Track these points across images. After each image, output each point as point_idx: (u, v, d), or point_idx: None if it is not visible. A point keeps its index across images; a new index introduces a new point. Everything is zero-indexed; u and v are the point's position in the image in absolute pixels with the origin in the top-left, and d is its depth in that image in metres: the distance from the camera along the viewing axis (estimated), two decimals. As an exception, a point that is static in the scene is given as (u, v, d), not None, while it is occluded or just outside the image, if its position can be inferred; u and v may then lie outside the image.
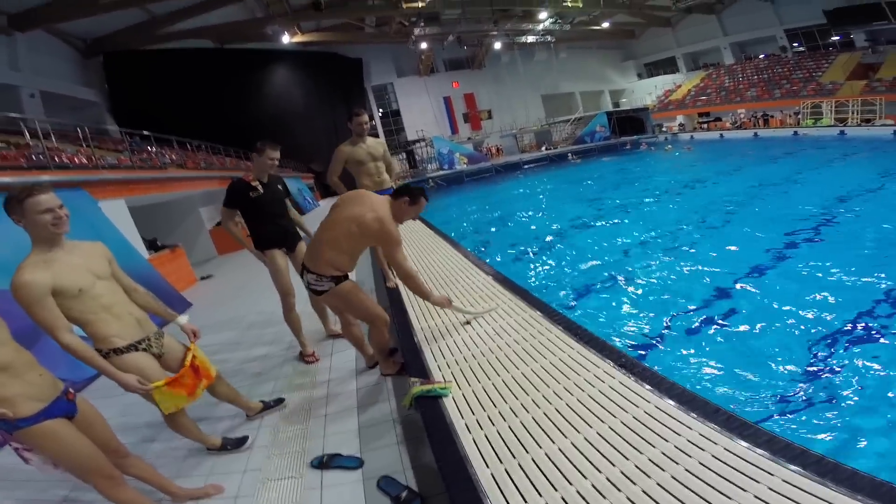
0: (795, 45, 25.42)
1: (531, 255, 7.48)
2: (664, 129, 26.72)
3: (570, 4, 22.24)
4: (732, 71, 26.71)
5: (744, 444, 1.54)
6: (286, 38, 20.60)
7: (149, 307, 2.20)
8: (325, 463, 2.17)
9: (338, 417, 2.59)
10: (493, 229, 10.19)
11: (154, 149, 11.60)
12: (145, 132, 11.03)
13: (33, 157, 7.08)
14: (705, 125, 24.44)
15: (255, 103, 21.57)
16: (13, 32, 13.70)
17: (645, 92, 31.92)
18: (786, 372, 3.24)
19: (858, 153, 12.82)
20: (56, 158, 7.34)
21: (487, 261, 7.39)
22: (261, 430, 2.60)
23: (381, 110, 28.59)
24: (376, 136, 26.44)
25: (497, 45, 27.02)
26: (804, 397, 2.97)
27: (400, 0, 19.41)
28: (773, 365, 3.34)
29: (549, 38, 26.58)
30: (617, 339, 4.02)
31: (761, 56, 26.34)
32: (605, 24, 27.70)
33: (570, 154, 23.44)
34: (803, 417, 2.81)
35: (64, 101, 16.02)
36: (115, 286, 2.05)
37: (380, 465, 2.11)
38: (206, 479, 2.26)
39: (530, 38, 26.47)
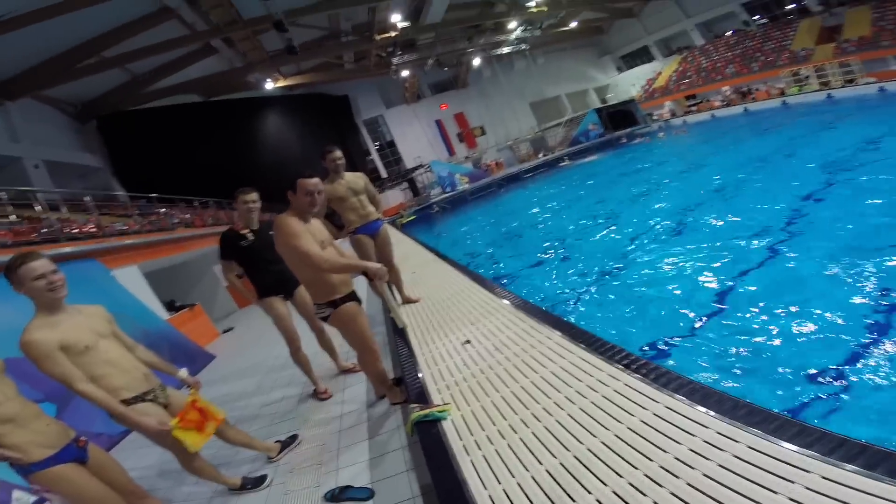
0: (756, 17, 25.55)
1: (540, 264, 7.42)
2: (655, 117, 26.70)
3: (535, 9, 22.56)
4: (706, 51, 26.84)
5: (771, 439, 1.35)
6: (270, 85, 21.17)
7: (151, 363, 2.30)
8: (337, 496, 2.19)
9: (350, 449, 2.61)
10: (500, 244, 10.14)
11: (162, 210, 11.79)
12: (152, 194, 11.23)
13: (45, 229, 7.18)
14: (694, 107, 24.37)
15: (252, 152, 21.99)
16: (3, 102, 13.95)
17: (628, 84, 32.08)
18: (816, 356, 3.03)
19: (851, 112, 12.70)
20: (66, 229, 7.52)
21: (497, 276, 7.38)
22: (279, 467, 2.71)
23: (376, 143, 28.82)
24: (376, 171, 27.11)
25: (476, 62, 27.45)
26: (838, 384, 2.75)
27: (373, 32, 19.82)
28: (801, 348, 3.14)
29: (523, 46, 26.96)
30: (638, 344, 3.87)
31: (728, 33, 26.46)
32: (573, 24, 28.09)
33: (564, 158, 23.41)
34: (838, 405, 2.58)
35: (70, 170, 16.32)
36: (118, 343, 2.17)
37: (390, 493, 2.10)
38: (229, 519, 2.35)
39: (506, 49, 26.84)
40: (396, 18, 19.34)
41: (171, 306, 8.41)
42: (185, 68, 18.05)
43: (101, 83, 16.69)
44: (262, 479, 2.57)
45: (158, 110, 19.33)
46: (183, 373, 2.41)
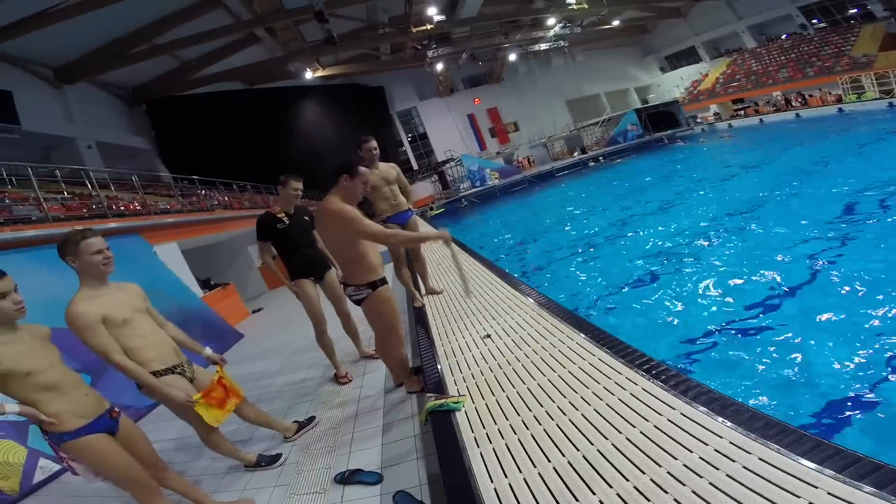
0: (814, 21, 24.00)
1: (567, 264, 7.33)
2: (699, 119, 25.69)
3: (575, 7, 21.99)
4: (757, 54, 25.46)
5: (783, 452, 1.33)
6: (309, 74, 21.67)
7: (179, 341, 2.41)
8: (347, 478, 2.24)
9: (364, 434, 2.67)
10: (528, 241, 10.08)
11: (202, 192, 12.34)
12: (194, 177, 11.77)
13: (94, 206, 7.69)
14: (742, 111, 23.29)
15: (289, 140, 22.68)
16: (62, 86, 15.04)
17: (671, 85, 31.04)
18: (847, 375, 2.90)
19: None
20: (114, 207, 7.99)
21: (522, 272, 7.33)
22: (293, 447, 2.78)
23: (409, 135, 29.04)
24: (408, 162, 27.34)
25: (512, 57, 27.10)
26: (863, 404, 2.64)
27: (409, 25, 19.91)
28: (833, 367, 3.01)
29: (562, 43, 26.33)
30: (661, 350, 3.79)
31: (784, 36, 25.03)
32: (616, 23, 27.19)
33: (599, 157, 22.90)
34: (860, 424, 2.49)
35: (119, 151, 17.34)
36: (151, 319, 2.28)
37: (399, 480, 2.14)
38: (241, 493, 2.48)
39: (543, 46, 26.32)
40: (432, 11, 19.33)
41: (206, 284, 8.75)
42: (229, 56, 18.77)
43: (151, 69, 17.58)
44: (277, 457, 2.63)
45: (203, 96, 20.16)
46: (208, 351, 2.50)
